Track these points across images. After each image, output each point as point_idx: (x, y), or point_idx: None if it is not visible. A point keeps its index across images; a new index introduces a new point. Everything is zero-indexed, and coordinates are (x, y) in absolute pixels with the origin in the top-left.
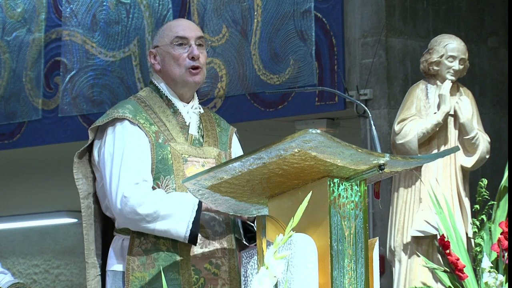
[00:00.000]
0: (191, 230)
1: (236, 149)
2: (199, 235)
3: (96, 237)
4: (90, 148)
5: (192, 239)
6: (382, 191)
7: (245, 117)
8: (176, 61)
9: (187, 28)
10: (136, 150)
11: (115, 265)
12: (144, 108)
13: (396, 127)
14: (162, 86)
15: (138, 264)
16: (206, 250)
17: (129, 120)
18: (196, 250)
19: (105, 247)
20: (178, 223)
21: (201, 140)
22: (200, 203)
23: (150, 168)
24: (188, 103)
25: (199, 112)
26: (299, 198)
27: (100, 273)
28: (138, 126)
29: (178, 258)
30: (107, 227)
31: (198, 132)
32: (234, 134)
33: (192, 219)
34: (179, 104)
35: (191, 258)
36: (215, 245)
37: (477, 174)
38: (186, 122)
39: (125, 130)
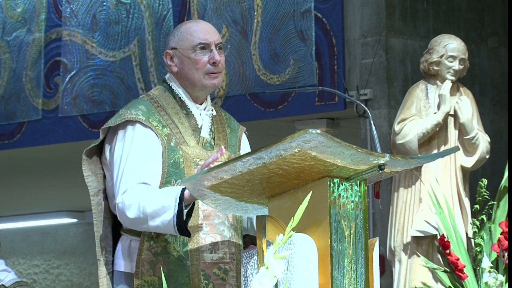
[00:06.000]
0: (176, 224)
1: (245, 150)
2: (211, 240)
3: (107, 233)
4: (99, 147)
5: (182, 232)
6: (382, 191)
7: (245, 117)
8: (196, 65)
9: (208, 32)
10: (140, 153)
11: (121, 266)
12: (157, 109)
13: (396, 127)
14: (176, 87)
15: (147, 268)
16: (215, 255)
17: (141, 123)
18: (206, 255)
19: (115, 244)
20: (164, 219)
21: (212, 142)
22: (181, 196)
23: (155, 170)
24: (201, 104)
25: (212, 114)
26: (299, 198)
27: (111, 269)
28: (151, 129)
29: (188, 263)
30: (116, 225)
31: (210, 135)
32: (244, 135)
33: (175, 213)
34: (192, 105)
35: (201, 263)
36: (224, 250)
37: (477, 174)
38: (198, 125)
39: (136, 133)
